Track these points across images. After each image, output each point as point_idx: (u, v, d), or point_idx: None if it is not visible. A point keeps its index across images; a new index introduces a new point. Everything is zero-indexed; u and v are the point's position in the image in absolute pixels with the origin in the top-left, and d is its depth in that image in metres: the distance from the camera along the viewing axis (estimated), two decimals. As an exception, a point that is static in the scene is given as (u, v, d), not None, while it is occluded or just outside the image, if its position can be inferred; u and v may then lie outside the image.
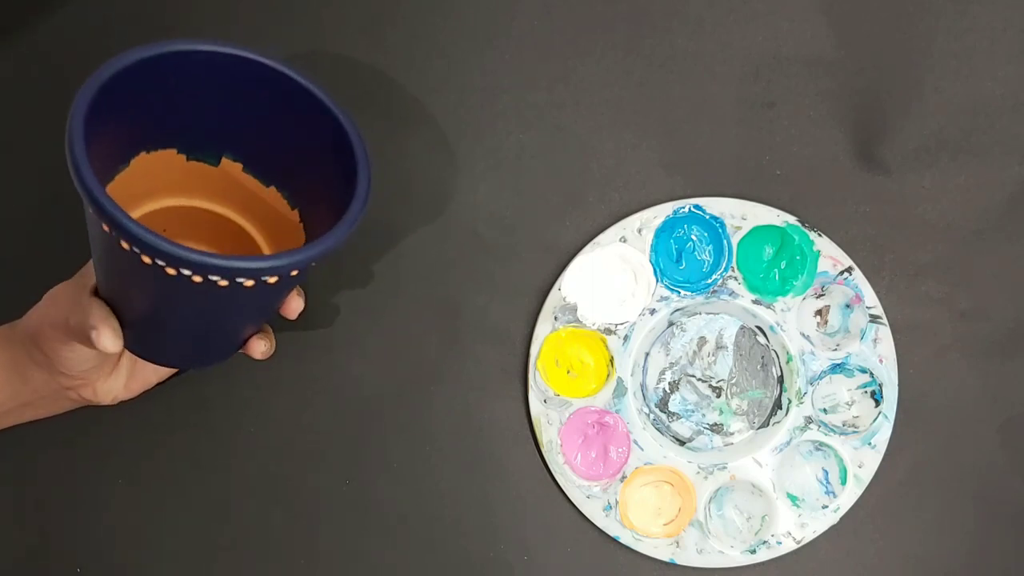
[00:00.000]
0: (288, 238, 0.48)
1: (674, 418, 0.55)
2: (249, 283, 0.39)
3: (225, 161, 0.48)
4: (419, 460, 0.55)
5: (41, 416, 0.52)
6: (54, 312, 0.46)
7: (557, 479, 0.54)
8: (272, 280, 0.39)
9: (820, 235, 0.53)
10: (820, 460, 0.54)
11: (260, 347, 0.48)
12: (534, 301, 0.55)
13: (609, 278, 0.55)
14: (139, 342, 0.46)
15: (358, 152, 0.43)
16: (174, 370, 0.54)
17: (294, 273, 0.40)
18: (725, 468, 0.54)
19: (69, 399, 0.50)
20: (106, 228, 0.38)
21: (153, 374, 0.52)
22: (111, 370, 0.50)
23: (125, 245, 0.38)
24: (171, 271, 0.38)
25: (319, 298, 0.56)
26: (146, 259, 0.38)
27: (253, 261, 0.38)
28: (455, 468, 0.55)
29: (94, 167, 0.38)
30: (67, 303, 0.46)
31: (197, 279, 0.38)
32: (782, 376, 0.55)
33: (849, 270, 0.53)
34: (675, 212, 0.54)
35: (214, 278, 0.38)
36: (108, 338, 0.43)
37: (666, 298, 0.54)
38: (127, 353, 0.50)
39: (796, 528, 0.53)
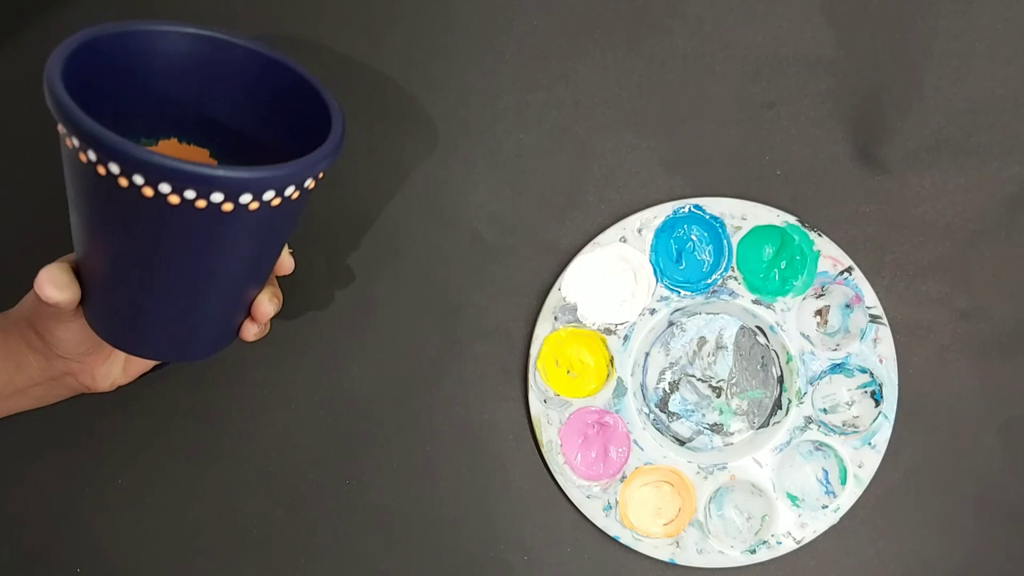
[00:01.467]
0: None
1: (674, 418, 0.55)
2: (228, 207, 0.38)
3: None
4: (419, 460, 0.55)
5: (35, 406, 0.52)
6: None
7: (557, 479, 0.54)
8: (254, 205, 0.38)
9: (820, 235, 0.53)
10: (820, 460, 0.54)
11: (251, 330, 0.46)
12: (534, 301, 0.55)
13: (609, 278, 0.55)
14: (121, 329, 0.44)
15: (329, 103, 0.44)
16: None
17: (275, 202, 0.39)
18: (725, 468, 0.54)
19: (66, 386, 0.50)
20: (71, 141, 0.37)
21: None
22: (108, 354, 0.50)
23: (101, 170, 0.37)
24: (148, 191, 0.37)
25: (319, 298, 0.56)
26: (123, 181, 0.37)
27: (236, 171, 0.37)
28: (455, 468, 0.55)
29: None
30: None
31: (174, 199, 0.37)
32: (782, 376, 0.55)
33: (849, 270, 0.53)
34: (675, 212, 0.54)
35: (190, 195, 0.37)
36: (48, 283, 0.42)
37: (666, 298, 0.54)
38: None
39: (796, 528, 0.53)
